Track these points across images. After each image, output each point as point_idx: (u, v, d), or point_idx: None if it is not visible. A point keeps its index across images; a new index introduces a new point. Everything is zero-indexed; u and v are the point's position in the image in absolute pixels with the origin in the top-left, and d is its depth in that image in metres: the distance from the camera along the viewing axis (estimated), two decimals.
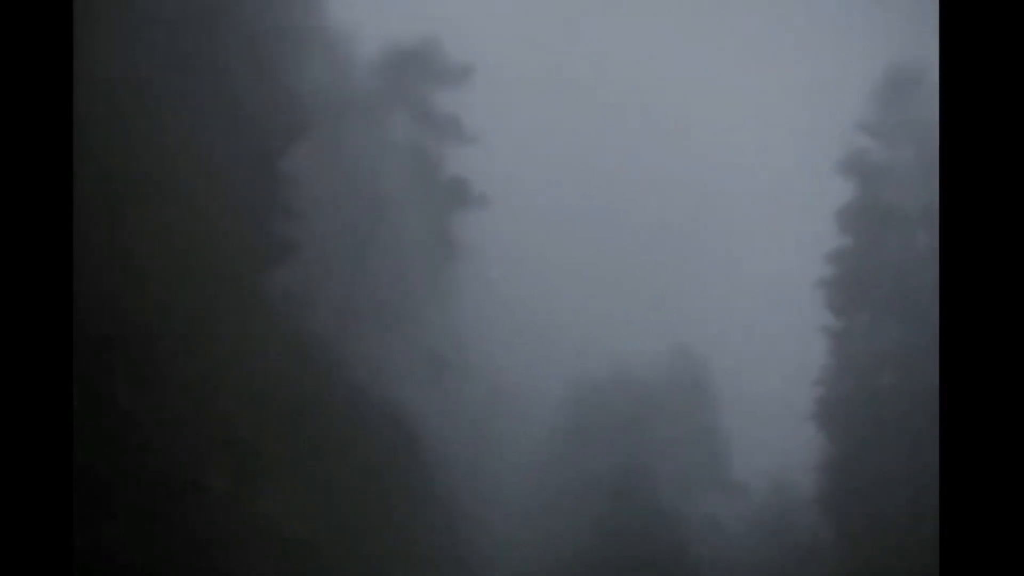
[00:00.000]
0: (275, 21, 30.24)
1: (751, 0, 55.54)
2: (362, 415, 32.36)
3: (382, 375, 37.96)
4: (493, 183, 45.47)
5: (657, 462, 47.88)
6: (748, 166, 54.60)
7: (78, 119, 12.48)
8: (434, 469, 36.97)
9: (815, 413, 39.16)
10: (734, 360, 50.07)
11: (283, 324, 30.18)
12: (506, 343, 48.58)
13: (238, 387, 25.60)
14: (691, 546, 44.03)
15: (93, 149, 20.46)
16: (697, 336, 51.09)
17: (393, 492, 32.84)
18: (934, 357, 12.45)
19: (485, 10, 49.30)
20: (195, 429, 23.99)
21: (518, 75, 50.21)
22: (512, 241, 47.32)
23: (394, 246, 40.79)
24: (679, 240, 53.93)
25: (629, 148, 54.50)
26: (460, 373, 46.23)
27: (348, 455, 30.71)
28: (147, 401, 22.19)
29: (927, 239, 38.99)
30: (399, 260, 41.39)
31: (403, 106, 38.83)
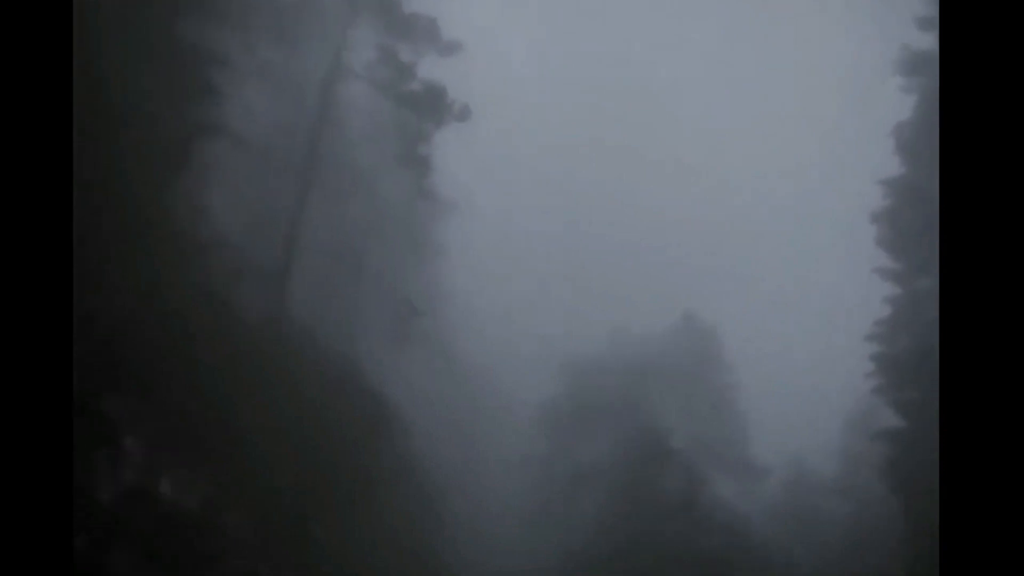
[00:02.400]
0: None
1: None
2: (338, 401, 29.30)
3: (358, 352, 34.08)
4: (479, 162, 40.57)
5: (664, 445, 43.92)
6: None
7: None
8: (417, 458, 34.08)
9: (870, 372, 33.59)
10: (749, 326, 45.18)
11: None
12: (490, 314, 44.53)
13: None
14: (704, 539, 40.38)
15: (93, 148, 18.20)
16: (705, 301, 47.30)
17: (372, 483, 29.69)
18: None
19: None
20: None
21: None
22: (497, 198, 41.16)
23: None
24: (683, 188, 48.50)
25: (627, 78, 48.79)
26: (437, 348, 41.96)
27: (324, 444, 27.45)
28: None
29: None
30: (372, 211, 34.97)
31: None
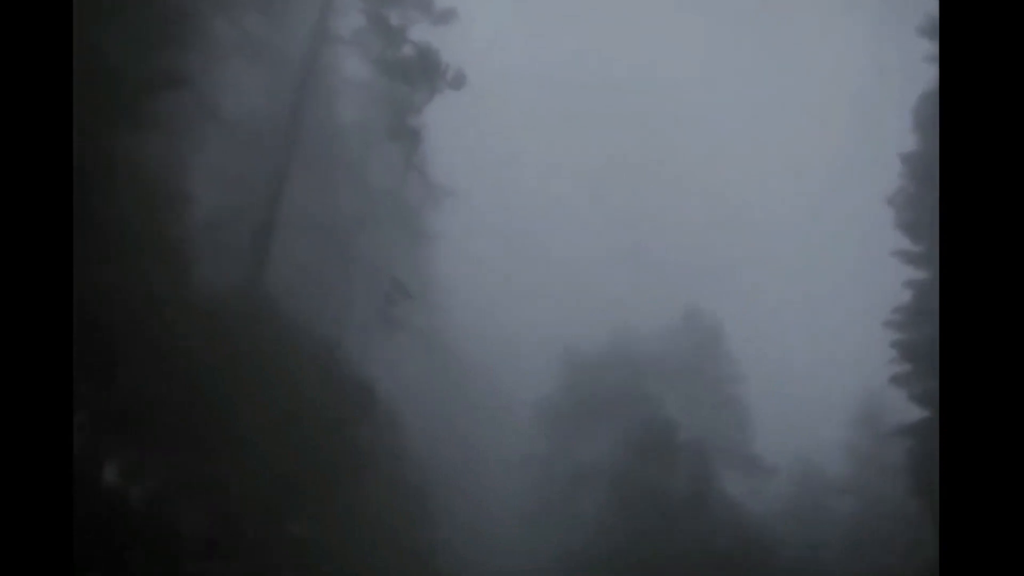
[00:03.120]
0: None
1: None
2: (322, 392, 27.87)
3: (343, 340, 32.42)
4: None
5: (666, 443, 42.83)
6: None
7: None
8: (410, 456, 33.30)
9: (888, 362, 31.72)
10: (755, 318, 44.17)
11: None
12: (487, 305, 43.31)
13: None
14: (709, 538, 39.37)
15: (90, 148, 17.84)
16: (709, 292, 46.10)
17: (361, 481, 28.40)
18: None
19: None
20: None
21: None
22: (493, 180, 39.35)
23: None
24: (687, 176, 46.81)
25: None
26: (431, 341, 40.99)
27: (306, 437, 26.04)
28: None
29: None
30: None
31: None
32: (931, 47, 30.65)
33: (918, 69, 30.87)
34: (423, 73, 29.25)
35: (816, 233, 46.55)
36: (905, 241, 31.71)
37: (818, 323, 43.22)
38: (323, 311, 31.39)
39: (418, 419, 35.40)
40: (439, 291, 42.03)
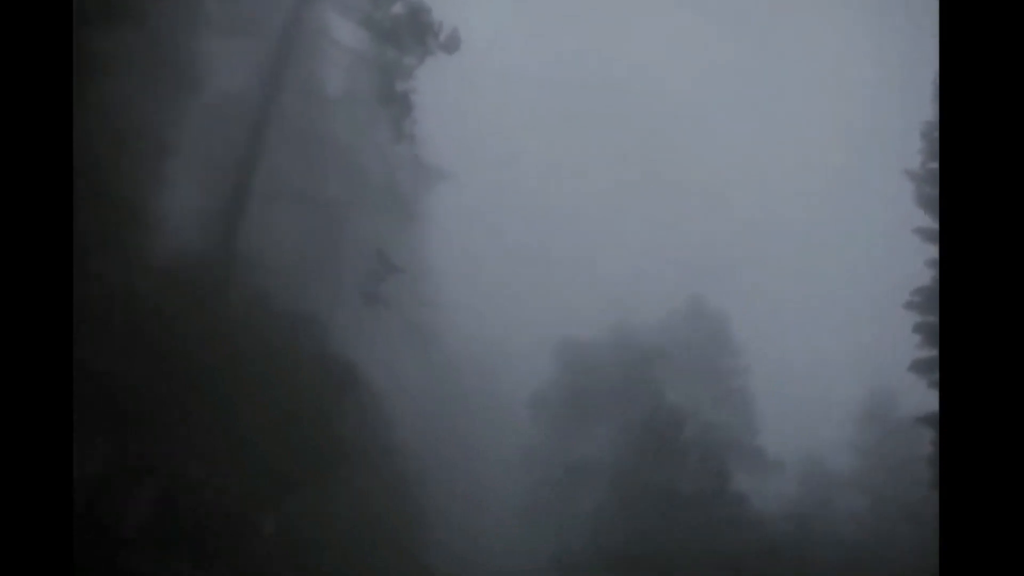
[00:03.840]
0: None
1: None
2: (305, 376, 26.80)
3: (330, 323, 31.37)
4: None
5: (669, 436, 41.67)
6: None
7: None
8: (397, 449, 32.56)
9: (915, 344, 29.70)
10: (763, 303, 43.14)
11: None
12: (479, 289, 42.28)
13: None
14: (713, 537, 38.31)
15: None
16: (715, 282, 45.63)
17: (344, 476, 27.60)
18: None
19: None
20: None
21: None
22: (487, 154, 37.79)
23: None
24: (693, 150, 45.44)
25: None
26: (419, 327, 39.91)
27: (287, 426, 25.03)
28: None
29: None
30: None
31: None
32: None
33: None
34: (414, 34, 27.29)
35: (828, 216, 45.08)
36: (926, 219, 29.73)
37: (830, 309, 41.36)
38: (302, 283, 29.80)
39: (408, 413, 34.58)
40: (429, 277, 40.51)
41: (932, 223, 29.32)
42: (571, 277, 45.74)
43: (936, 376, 28.74)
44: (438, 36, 27.97)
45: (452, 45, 28.31)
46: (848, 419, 46.54)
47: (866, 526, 40.82)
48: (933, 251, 29.30)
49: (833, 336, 42.34)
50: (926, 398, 30.20)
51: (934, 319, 28.68)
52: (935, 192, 28.92)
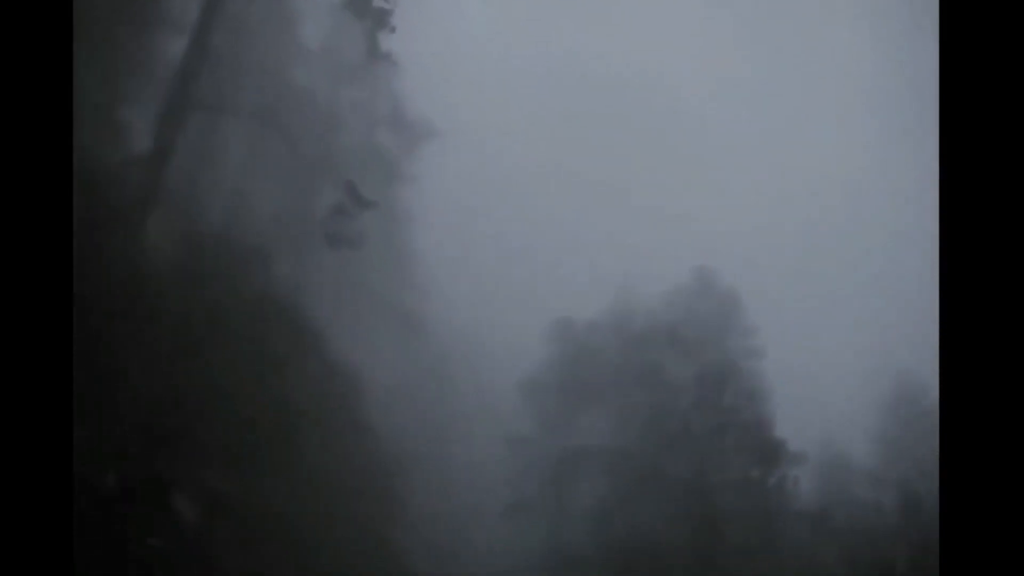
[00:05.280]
0: None
1: None
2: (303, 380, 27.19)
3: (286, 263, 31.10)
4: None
5: (673, 425, 40.46)
6: None
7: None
8: (380, 437, 31.63)
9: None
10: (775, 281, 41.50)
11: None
12: (466, 261, 40.13)
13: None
14: (719, 534, 37.63)
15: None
16: (724, 255, 43.49)
17: (325, 469, 27.01)
18: None
19: None
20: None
21: None
22: (476, 110, 35.51)
23: None
24: (700, 115, 43.08)
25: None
26: (400, 302, 39.08)
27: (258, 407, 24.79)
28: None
29: None
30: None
31: None
32: None
33: None
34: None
35: (854, 187, 42.39)
36: None
37: (851, 287, 38.70)
38: (251, 215, 27.38)
39: (385, 397, 33.67)
40: (410, 246, 37.73)
41: None
42: (566, 247, 43.70)
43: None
44: None
45: None
46: (871, 407, 44.45)
47: (886, 518, 39.68)
48: None
49: (855, 316, 39.48)
50: None
51: None
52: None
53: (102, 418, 19.39)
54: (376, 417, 32.28)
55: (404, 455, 33.39)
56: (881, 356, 43.55)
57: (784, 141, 49.19)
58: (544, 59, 47.33)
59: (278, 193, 33.73)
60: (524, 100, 45.08)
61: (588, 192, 42.31)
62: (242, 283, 26.90)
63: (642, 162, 43.86)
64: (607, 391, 41.81)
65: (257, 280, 27.96)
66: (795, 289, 45.68)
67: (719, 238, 44.55)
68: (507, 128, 40.35)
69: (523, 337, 40.85)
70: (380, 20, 27.66)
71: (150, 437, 20.70)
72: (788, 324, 43.81)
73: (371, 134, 35.46)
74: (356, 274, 37.20)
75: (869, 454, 44.33)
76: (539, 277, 41.76)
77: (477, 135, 39.93)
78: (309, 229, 33.06)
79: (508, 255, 41.39)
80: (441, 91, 36.84)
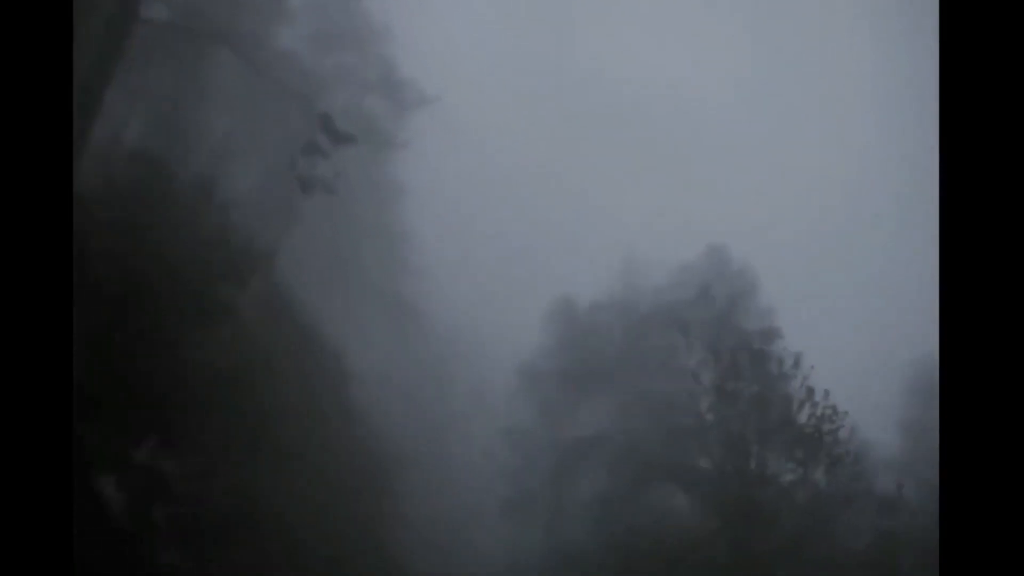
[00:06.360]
0: None
1: None
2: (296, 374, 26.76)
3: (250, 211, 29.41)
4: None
5: (681, 414, 38.10)
6: None
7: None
8: (369, 430, 31.42)
9: None
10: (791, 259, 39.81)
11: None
12: (460, 240, 38.35)
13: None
14: (728, 531, 34.93)
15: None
16: (738, 233, 42.06)
17: (316, 464, 26.74)
18: None
19: None
20: None
21: None
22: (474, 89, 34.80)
23: None
24: (712, 83, 41.25)
25: None
26: (391, 283, 37.55)
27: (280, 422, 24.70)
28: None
29: None
30: None
31: None
32: None
33: None
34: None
35: (872, 165, 40.37)
36: None
37: (870, 267, 36.97)
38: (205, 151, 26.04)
39: (377, 388, 33.04)
40: (401, 220, 36.28)
41: None
42: (568, 223, 42.01)
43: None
44: None
45: None
46: (892, 392, 43.42)
47: (903, 509, 37.28)
48: None
49: (874, 297, 37.52)
50: None
51: None
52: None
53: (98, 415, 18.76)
54: (368, 407, 31.62)
55: (399, 451, 33.00)
56: (904, 340, 42.38)
57: (785, 136, 47.70)
58: (538, 33, 45.76)
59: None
60: (520, 71, 43.42)
61: (596, 164, 40.48)
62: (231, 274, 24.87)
63: (649, 126, 42.00)
64: (610, 377, 40.79)
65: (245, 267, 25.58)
66: (816, 261, 44.27)
67: (732, 216, 43.28)
68: (504, 97, 38.47)
69: (521, 319, 39.95)
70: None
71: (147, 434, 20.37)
72: (808, 300, 42.68)
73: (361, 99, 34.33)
74: (348, 258, 36.07)
75: (888, 440, 42.07)
76: (537, 254, 40.48)
77: (473, 100, 38.12)
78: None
79: (503, 232, 39.81)
80: (434, 58, 34.92)
